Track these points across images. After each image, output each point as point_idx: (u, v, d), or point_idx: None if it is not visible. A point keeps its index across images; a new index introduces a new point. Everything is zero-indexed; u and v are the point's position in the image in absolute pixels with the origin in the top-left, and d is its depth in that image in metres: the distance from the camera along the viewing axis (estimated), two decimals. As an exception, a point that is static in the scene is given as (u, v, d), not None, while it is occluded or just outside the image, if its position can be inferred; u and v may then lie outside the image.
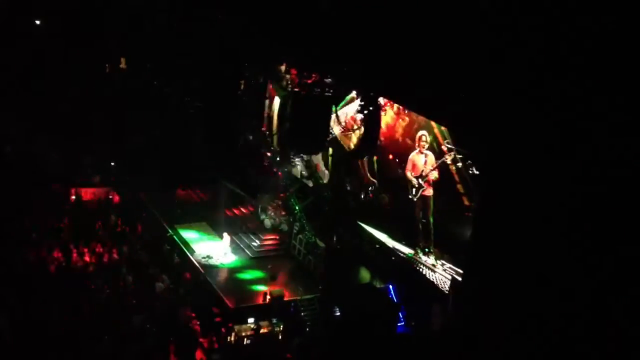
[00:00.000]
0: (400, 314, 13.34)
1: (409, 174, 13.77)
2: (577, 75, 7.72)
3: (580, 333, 7.93)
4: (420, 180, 13.53)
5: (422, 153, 13.56)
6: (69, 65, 18.78)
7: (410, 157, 13.87)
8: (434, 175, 13.33)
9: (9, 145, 18.44)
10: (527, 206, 8.67)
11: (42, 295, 12.48)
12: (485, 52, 8.89)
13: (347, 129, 16.30)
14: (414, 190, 13.64)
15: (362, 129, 15.20)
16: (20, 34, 18.89)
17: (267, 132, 18.24)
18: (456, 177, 13.28)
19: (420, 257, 13.67)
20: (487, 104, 9.11)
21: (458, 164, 12.69)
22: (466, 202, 12.88)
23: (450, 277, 12.46)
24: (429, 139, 13.51)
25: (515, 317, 8.78)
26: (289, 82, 16.89)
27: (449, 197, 13.12)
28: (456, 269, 12.60)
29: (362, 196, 15.81)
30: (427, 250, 13.69)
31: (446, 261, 13.22)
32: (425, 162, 13.49)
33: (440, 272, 12.90)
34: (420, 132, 13.63)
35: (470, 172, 10.96)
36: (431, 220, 13.51)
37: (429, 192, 13.52)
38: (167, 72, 19.22)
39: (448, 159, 12.86)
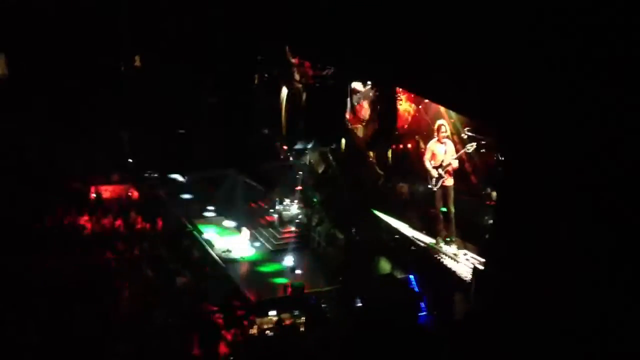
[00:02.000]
0: (421, 304, 13.28)
1: (427, 164, 13.61)
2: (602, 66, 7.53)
3: (599, 325, 7.83)
4: (440, 170, 13.37)
5: (441, 142, 13.39)
6: (85, 65, 18.85)
7: (429, 146, 13.71)
8: (455, 163, 13.19)
9: (29, 151, 18.57)
10: (547, 195, 8.54)
11: (65, 295, 12.60)
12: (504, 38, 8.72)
13: (361, 119, 16.23)
14: (434, 180, 13.49)
15: (377, 119, 15.12)
16: (35, 35, 18.99)
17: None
18: (464, 156, 13.23)
19: (441, 247, 13.58)
20: (506, 93, 8.96)
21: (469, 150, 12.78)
22: (474, 181, 12.83)
23: (472, 267, 12.35)
24: (448, 128, 13.37)
25: (536, 307, 8.69)
26: (302, 74, 16.83)
27: (458, 177, 13.21)
28: (479, 258, 12.51)
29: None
30: (448, 239, 13.60)
31: (469, 250, 13.14)
32: (445, 152, 13.33)
33: (463, 262, 12.81)
34: (439, 122, 13.48)
35: (496, 158, 10.86)
36: (452, 209, 13.39)
37: (450, 181, 13.37)
38: (180, 68, 19.26)
39: (470, 149, 12.71)
